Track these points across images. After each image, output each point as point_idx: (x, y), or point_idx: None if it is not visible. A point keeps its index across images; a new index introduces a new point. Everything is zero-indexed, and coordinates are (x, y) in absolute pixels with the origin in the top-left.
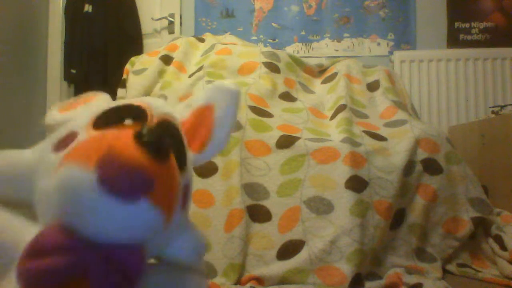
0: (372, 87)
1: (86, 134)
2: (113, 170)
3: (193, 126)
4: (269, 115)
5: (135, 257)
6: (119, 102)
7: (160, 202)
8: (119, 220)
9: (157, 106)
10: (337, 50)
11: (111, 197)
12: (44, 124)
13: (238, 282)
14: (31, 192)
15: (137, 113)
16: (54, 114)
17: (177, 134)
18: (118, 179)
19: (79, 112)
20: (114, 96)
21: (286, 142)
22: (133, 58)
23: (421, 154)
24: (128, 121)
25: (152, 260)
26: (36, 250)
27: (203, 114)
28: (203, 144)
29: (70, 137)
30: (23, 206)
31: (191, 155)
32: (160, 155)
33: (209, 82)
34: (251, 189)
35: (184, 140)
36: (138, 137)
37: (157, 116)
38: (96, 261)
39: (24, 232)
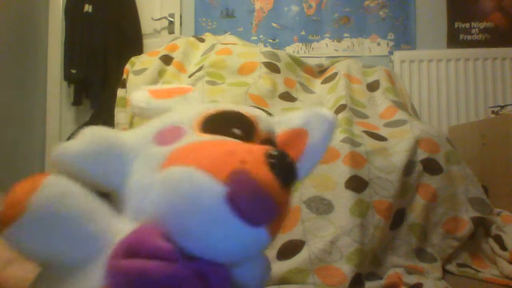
0: (372, 87)
1: (195, 135)
2: (246, 190)
3: (283, 147)
4: (269, 115)
5: (226, 276)
6: (226, 107)
7: (274, 229)
8: (235, 242)
9: (264, 121)
10: (337, 50)
11: (237, 217)
12: (133, 104)
13: None
14: (120, 179)
15: (246, 124)
16: (146, 98)
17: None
18: (249, 201)
19: (177, 104)
20: (114, 97)
21: None
22: (133, 58)
23: (421, 154)
24: (237, 131)
25: None
26: (133, 249)
27: (296, 137)
28: None
29: (174, 133)
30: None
31: None
32: (289, 183)
33: (209, 82)
34: None
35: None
36: (270, 158)
37: (264, 132)
38: (191, 277)
39: (111, 223)
